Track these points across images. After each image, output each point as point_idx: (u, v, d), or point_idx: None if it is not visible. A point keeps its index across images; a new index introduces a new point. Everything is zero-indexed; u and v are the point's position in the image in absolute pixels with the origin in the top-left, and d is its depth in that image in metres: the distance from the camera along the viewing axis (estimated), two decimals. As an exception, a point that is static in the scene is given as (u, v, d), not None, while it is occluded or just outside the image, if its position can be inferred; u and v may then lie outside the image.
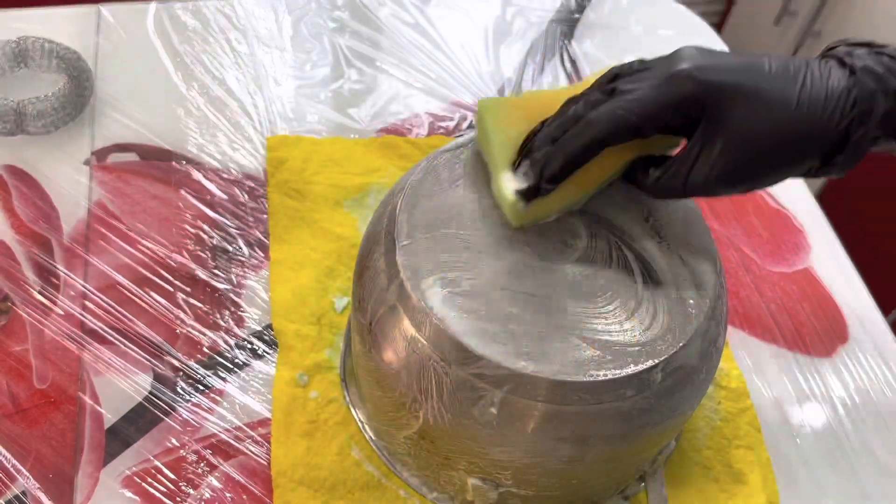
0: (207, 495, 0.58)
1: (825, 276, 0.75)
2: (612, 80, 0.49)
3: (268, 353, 0.65)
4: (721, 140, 0.46)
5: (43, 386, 0.62)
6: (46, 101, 0.74)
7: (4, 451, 0.59)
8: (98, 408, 0.61)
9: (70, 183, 0.73)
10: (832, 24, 1.47)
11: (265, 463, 0.60)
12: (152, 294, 0.67)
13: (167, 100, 0.81)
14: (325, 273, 0.69)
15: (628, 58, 0.90)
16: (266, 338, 0.66)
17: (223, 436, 0.61)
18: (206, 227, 0.72)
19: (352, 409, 0.62)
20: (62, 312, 0.66)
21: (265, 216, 0.73)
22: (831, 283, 0.75)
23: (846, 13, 1.44)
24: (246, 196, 0.74)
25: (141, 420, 0.61)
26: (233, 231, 0.72)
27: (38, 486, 0.58)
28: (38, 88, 0.76)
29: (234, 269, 0.70)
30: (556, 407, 0.48)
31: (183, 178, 0.75)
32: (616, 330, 0.49)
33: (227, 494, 0.58)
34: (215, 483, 0.59)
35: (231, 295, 0.68)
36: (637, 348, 0.48)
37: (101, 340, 0.64)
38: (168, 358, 0.64)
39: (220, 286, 0.68)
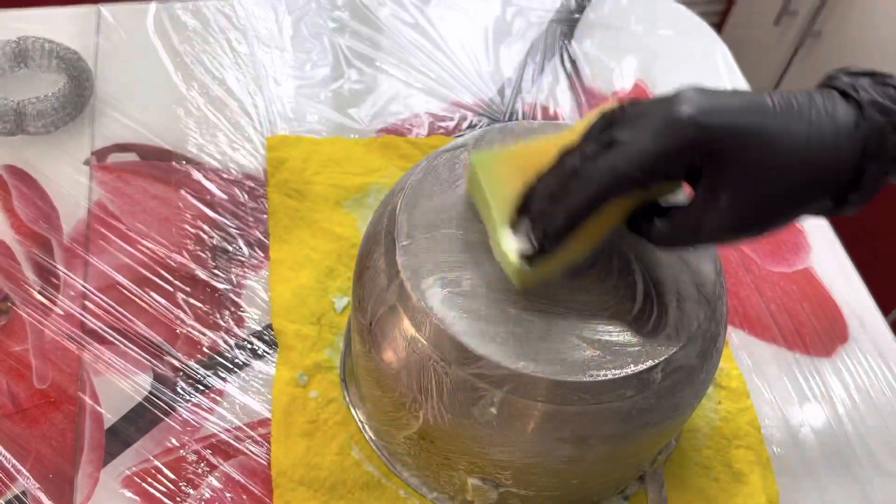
0: (207, 495, 0.58)
1: (825, 276, 0.75)
2: (607, 127, 0.46)
3: (268, 353, 0.65)
4: (729, 188, 0.44)
5: (43, 386, 0.62)
6: (46, 101, 0.74)
7: (4, 451, 0.59)
8: (98, 408, 0.61)
9: (70, 183, 0.73)
10: (832, 24, 1.47)
11: (265, 463, 0.60)
12: (152, 294, 0.67)
13: (167, 100, 0.81)
14: (325, 273, 0.69)
15: (628, 58, 0.91)
16: (266, 338, 0.66)
17: (223, 436, 0.61)
18: (206, 227, 0.72)
19: (352, 409, 0.62)
20: (62, 312, 0.66)
21: (265, 216, 0.73)
22: (831, 283, 0.75)
23: (846, 13, 1.44)
24: (246, 196, 0.74)
25: (141, 420, 0.61)
26: (233, 231, 0.72)
27: (38, 486, 0.58)
28: (38, 88, 0.76)
29: (234, 269, 0.70)
30: (556, 407, 0.48)
31: (183, 178, 0.75)
32: (616, 330, 0.49)
33: (227, 494, 0.58)
34: (215, 483, 0.59)
35: (231, 295, 0.68)
36: (637, 348, 0.48)
37: (101, 340, 0.64)
38: (168, 358, 0.64)
39: (220, 286, 0.68)
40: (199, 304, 0.67)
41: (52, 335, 0.64)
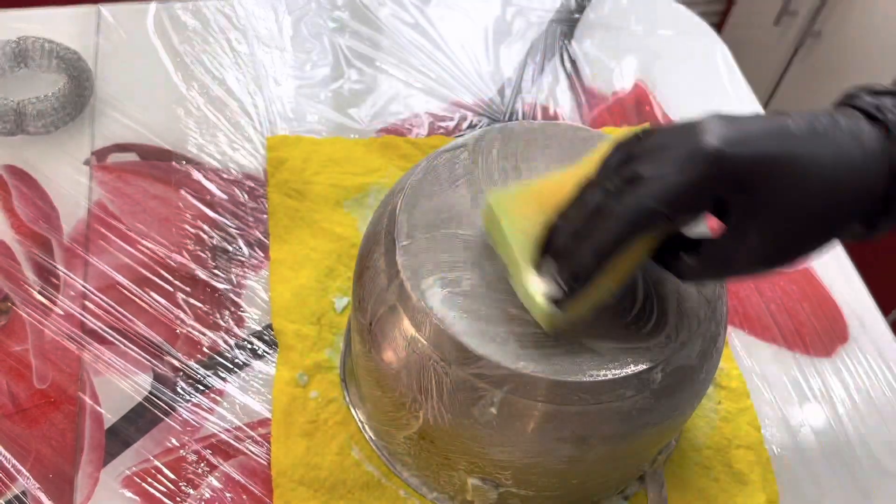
0: (207, 495, 0.58)
1: (825, 276, 0.75)
2: (626, 160, 0.45)
3: (268, 353, 0.65)
4: (759, 220, 0.43)
5: (43, 386, 0.62)
6: (46, 101, 0.74)
7: (4, 451, 0.59)
8: (98, 408, 0.61)
9: (70, 183, 0.73)
10: (832, 24, 1.47)
11: (265, 463, 0.60)
12: (152, 294, 0.67)
13: (167, 100, 0.81)
14: (325, 273, 0.69)
15: (628, 58, 0.91)
16: (266, 338, 0.66)
17: (223, 436, 0.61)
18: (206, 227, 0.72)
19: (352, 409, 0.62)
20: (62, 312, 0.66)
21: (265, 216, 0.73)
22: (831, 283, 0.75)
23: (846, 13, 1.44)
24: (246, 196, 0.74)
25: (141, 420, 0.61)
26: (233, 231, 0.72)
27: (38, 486, 0.58)
28: (38, 88, 0.76)
29: (234, 269, 0.70)
30: (556, 407, 0.48)
31: (183, 178, 0.75)
32: (616, 330, 0.49)
33: (227, 494, 0.58)
34: (215, 483, 0.59)
35: (231, 295, 0.68)
36: (637, 348, 0.48)
37: (101, 340, 0.64)
38: (168, 358, 0.64)
39: (220, 286, 0.68)
40: (199, 304, 0.67)
41: (52, 335, 0.64)
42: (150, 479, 0.58)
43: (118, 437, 0.60)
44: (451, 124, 0.83)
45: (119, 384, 0.63)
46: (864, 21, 1.40)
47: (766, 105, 1.63)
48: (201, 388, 0.63)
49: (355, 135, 0.80)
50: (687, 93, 0.89)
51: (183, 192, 0.74)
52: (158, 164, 0.76)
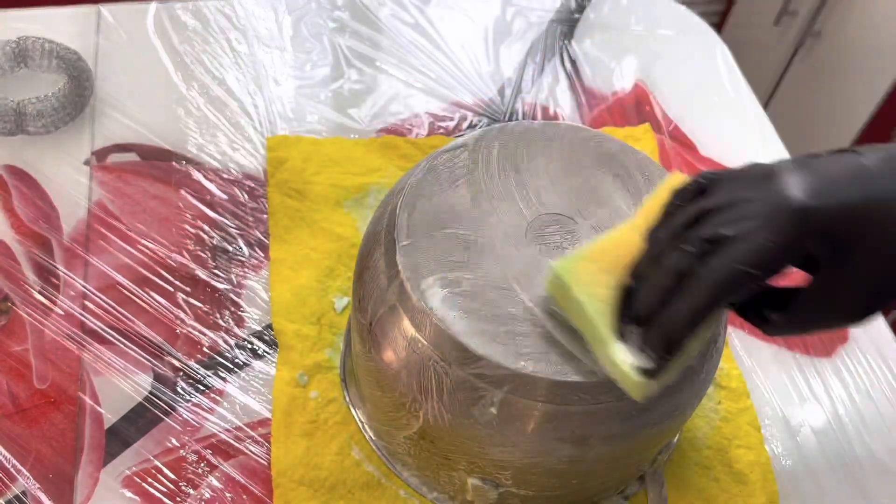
0: (207, 495, 0.58)
1: (825, 276, 0.75)
2: (700, 217, 0.43)
3: (268, 353, 0.65)
4: (849, 272, 0.41)
5: (43, 386, 0.62)
6: (46, 101, 0.74)
7: (4, 451, 0.59)
8: (98, 408, 0.61)
9: (70, 183, 0.73)
10: (832, 24, 1.47)
11: (265, 463, 0.60)
12: (152, 294, 0.67)
13: (167, 100, 0.81)
14: (325, 273, 0.69)
15: (628, 58, 0.91)
16: (266, 338, 0.66)
17: (223, 436, 0.61)
18: (206, 227, 0.72)
19: (352, 409, 0.62)
20: (62, 312, 0.66)
21: (265, 216, 0.73)
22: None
23: (846, 13, 1.44)
24: (246, 196, 0.74)
25: (141, 420, 0.61)
26: (233, 231, 0.72)
27: (38, 486, 0.58)
28: (38, 88, 0.76)
29: (234, 269, 0.70)
30: (556, 407, 0.48)
31: (183, 178, 0.75)
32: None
33: (228, 494, 0.58)
34: (215, 483, 0.59)
35: (231, 295, 0.68)
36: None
37: (101, 340, 0.64)
38: (168, 358, 0.64)
39: (220, 286, 0.68)
40: (199, 304, 0.67)
41: (52, 335, 0.64)
42: (150, 479, 0.58)
43: (118, 437, 0.60)
44: (451, 124, 0.83)
45: (119, 384, 0.63)
46: (864, 21, 1.40)
47: (766, 105, 1.63)
48: (201, 388, 0.63)
49: (355, 135, 0.80)
50: (687, 93, 0.89)
51: (183, 192, 0.74)
52: (158, 164, 0.76)
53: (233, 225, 0.72)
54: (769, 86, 1.64)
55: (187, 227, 0.72)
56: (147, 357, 0.64)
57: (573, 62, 0.90)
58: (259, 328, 0.67)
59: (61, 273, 0.68)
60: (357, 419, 0.61)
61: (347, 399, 0.62)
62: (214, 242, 0.71)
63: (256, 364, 0.65)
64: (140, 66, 0.83)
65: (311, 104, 0.82)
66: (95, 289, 0.67)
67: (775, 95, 1.64)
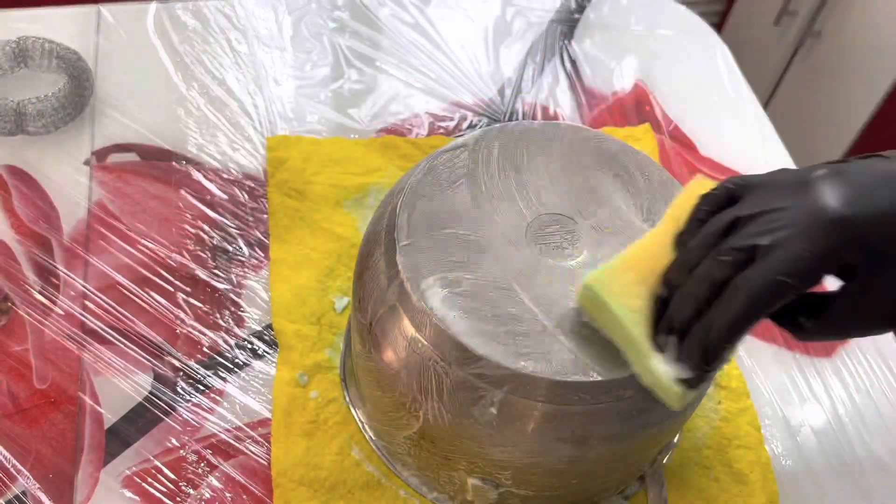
0: (207, 495, 0.58)
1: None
2: (733, 226, 0.43)
3: (268, 353, 0.65)
4: (885, 281, 0.41)
5: (43, 386, 0.62)
6: (46, 101, 0.74)
7: (4, 451, 0.59)
8: (98, 408, 0.61)
9: (70, 183, 0.73)
10: (832, 24, 1.47)
11: (265, 463, 0.60)
12: (152, 294, 0.67)
13: (167, 100, 0.81)
14: (325, 273, 0.69)
15: (628, 58, 0.91)
16: (266, 338, 0.66)
17: (223, 436, 0.61)
18: (206, 227, 0.72)
19: (352, 409, 0.62)
20: (62, 312, 0.66)
21: (265, 216, 0.73)
22: (831, 282, 0.75)
23: (846, 13, 1.44)
24: (246, 196, 0.74)
25: (141, 420, 0.61)
26: (233, 231, 0.72)
27: (38, 486, 0.58)
28: (38, 88, 0.76)
29: (234, 269, 0.70)
30: (556, 407, 0.48)
31: (183, 178, 0.75)
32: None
33: (227, 494, 0.58)
34: (215, 483, 0.59)
35: (231, 295, 0.68)
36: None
37: (101, 340, 0.64)
38: (168, 358, 0.64)
39: (220, 286, 0.68)
40: (199, 304, 0.67)
41: (52, 335, 0.64)
42: (150, 479, 0.58)
43: (118, 437, 0.60)
44: (451, 124, 0.83)
45: (119, 384, 0.63)
46: (864, 21, 1.40)
47: (766, 105, 1.63)
48: (201, 388, 0.63)
49: (355, 135, 0.80)
50: (687, 93, 0.89)
51: (183, 192, 0.74)
52: (158, 164, 0.76)
53: (233, 225, 0.72)
54: (769, 86, 1.64)
55: (187, 227, 0.72)
56: (147, 357, 0.64)
57: (573, 62, 0.90)
58: (259, 328, 0.67)
59: (61, 273, 0.68)
60: (357, 419, 0.61)
61: (347, 399, 0.62)
62: (214, 242, 0.71)
63: (256, 364, 0.65)
64: (140, 66, 0.83)
65: (311, 104, 0.82)
66: (95, 289, 0.67)
67: (775, 95, 1.64)
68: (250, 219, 0.73)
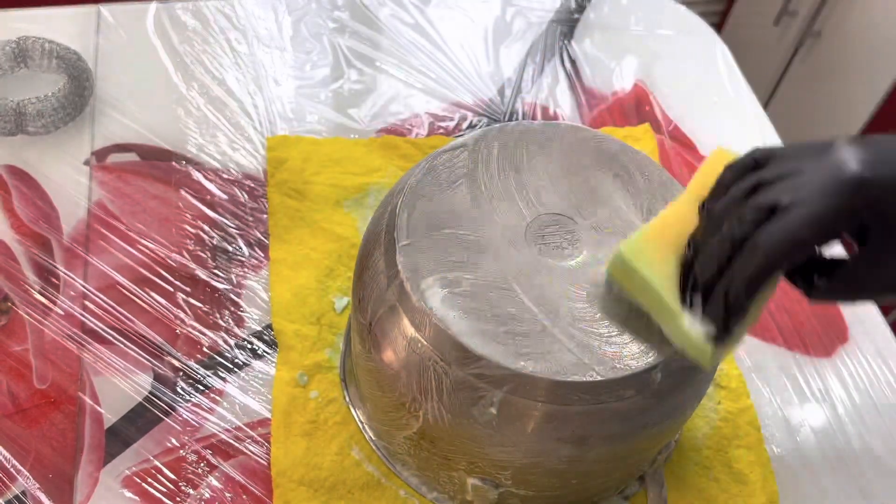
0: (207, 495, 0.58)
1: (825, 276, 0.75)
2: (756, 188, 0.45)
3: (268, 353, 0.65)
4: None
5: (43, 386, 0.62)
6: (46, 101, 0.74)
7: (4, 451, 0.59)
8: (98, 408, 0.61)
9: (70, 183, 0.73)
10: (832, 24, 1.47)
11: (265, 463, 0.60)
12: (152, 294, 0.67)
13: (167, 100, 0.81)
14: (325, 273, 0.69)
15: (628, 58, 0.91)
16: (266, 338, 0.66)
17: (223, 436, 0.61)
18: (206, 227, 0.72)
19: (352, 409, 0.62)
20: (62, 312, 0.66)
21: (265, 216, 0.73)
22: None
23: (846, 13, 1.44)
24: (246, 196, 0.74)
25: (141, 420, 0.61)
26: (233, 231, 0.72)
27: (38, 486, 0.58)
28: (38, 88, 0.76)
29: (233, 269, 0.70)
30: (556, 407, 0.48)
31: (183, 178, 0.75)
32: (616, 330, 0.49)
33: (227, 494, 0.58)
34: (215, 483, 0.59)
35: (231, 295, 0.68)
36: (636, 348, 0.48)
37: (101, 340, 0.64)
38: (168, 358, 0.64)
39: (220, 286, 0.68)
40: (199, 304, 0.67)
41: (52, 335, 0.64)
42: (150, 479, 0.58)
43: (118, 437, 0.60)
44: (451, 124, 0.83)
45: (119, 384, 0.63)
46: (864, 21, 1.40)
47: (766, 105, 1.63)
48: (201, 388, 0.63)
49: (355, 135, 0.80)
50: (687, 93, 0.89)
51: (183, 192, 0.74)
52: (158, 164, 0.76)
53: (233, 225, 0.72)
54: (769, 86, 1.64)
55: (187, 227, 0.72)
56: (147, 357, 0.64)
57: (573, 62, 0.90)
58: (259, 328, 0.67)
59: (61, 273, 0.68)
60: (357, 419, 0.61)
61: (347, 399, 0.62)
62: (214, 242, 0.71)
63: (256, 364, 0.65)
64: (140, 66, 0.83)
65: (311, 104, 0.82)
66: (95, 289, 0.67)
67: (775, 95, 1.64)
68: (250, 219, 0.73)
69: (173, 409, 0.62)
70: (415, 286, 0.49)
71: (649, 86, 0.89)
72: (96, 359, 0.63)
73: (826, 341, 0.71)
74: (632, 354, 0.48)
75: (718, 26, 1.74)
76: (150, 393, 0.62)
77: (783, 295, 0.73)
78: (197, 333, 0.66)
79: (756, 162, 0.47)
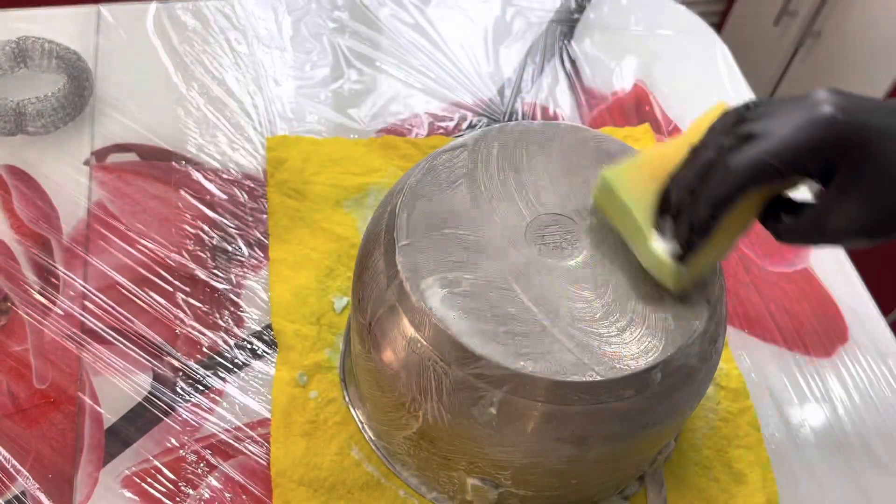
0: (207, 495, 0.58)
1: (825, 276, 0.75)
2: (738, 122, 0.48)
3: (267, 353, 0.65)
4: (863, 187, 0.44)
5: (43, 386, 0.62)
6: (46, 101, 0.74)
7: (4, 451, 0.59)
8: (98, 408, 0.61)
9: (70, 183, 0.73)
10: (832, 24, 1.47)
11: (265, 463, 0.60)
12: (152, 294, 0.67)
13: (167, 100, 0.81)
14: (325, 273, 0.69)
15: (628, 58, 0.91)
16: (266, 338, 0.66)
17: (223, 436, 0.61)
18: (205, 227, 0.72)
19: (351, 409, 0.62)
20: (62, 312, 0.66)
21: (265, 216, 0.73)
22: (831, 283, 0.75)
23: (846, 13, 1.44)
24: (246, 196, 0.74)
25: (141, 420, 0.61)
26: (232, 231, 0.72)
27: (37, 486, 0.58)
28: (38, 88, 0.76)
29: (233, 269, 0.70)
30: (556, 407, 0.48)
31: (183, 178, 0.75)
32: (616, 330, 0.49)
33: (227, 494, 0.58)
34: (215, 483, 0.59)
35: (231, 295, 0.68)
36: (636, 348, 0.48)
37: (101, 340, 0.64)
38: (168, 358, 0.64)
39: (220, 286, 0.68)
40: (199, 304, 0.67)
41: (52, 335, 0.64)
42: (149, 479, 0.58)
43: (118, 437, 0.60)
44: (451, 124, 0.83)
45: (119, 384, 0.63)
46: (864, 21, 1.40)
47: (766, 105, 1.63)
48: (201, 388, 0.63)
49: (355, 135, 0.80)
50: (687, 93, 0.89)
51: (183, 192, 0.74)
52: (158, 164, 0.76)
53: (232, 225, 0.72)
54: (769, 86, 1.64)
55: (187, 227, 0.72)
56: (147, 357, 0.64)
57: (573, 62, 0.90)
58: (259, 328, 0.67)
59: (61, 273, 0.68)
60: (357, 419, 0.61)
61: (347, 399, 0.62)
62: (214, 242, 0.71)
63: (256, 364, 0.65)
64: (140, 66, 0.83)
65: (310, 104, 0.82)
66: (95, 289, 0.67)
67: (775, 95, 1.64)
68: (250, 219, 0.73)
69: (173, 409, 0.62)
70: (414, 286, 0.49)
71: (649, 86, 0.89)
72: (96, 359, 0.64)
73: (826, 341, 0.71)
74: (631, 354, 0.48)
75: (718, 26, 1.74)
76: (150, 393, 0.62)
77: (783, 295, 0.73)
78: (196, 333, 0.66)
79: (747, 109, 0.49)
